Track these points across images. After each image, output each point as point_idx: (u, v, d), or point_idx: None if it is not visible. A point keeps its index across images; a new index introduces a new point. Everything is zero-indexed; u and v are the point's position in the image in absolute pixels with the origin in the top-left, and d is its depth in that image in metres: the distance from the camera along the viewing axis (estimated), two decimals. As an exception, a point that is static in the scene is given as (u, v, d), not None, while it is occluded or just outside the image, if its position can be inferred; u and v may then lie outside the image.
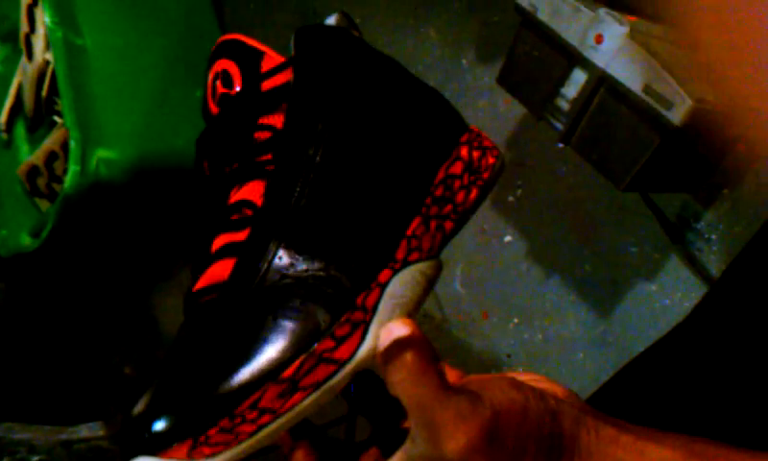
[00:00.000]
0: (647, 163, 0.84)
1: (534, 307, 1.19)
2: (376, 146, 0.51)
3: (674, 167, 0.90)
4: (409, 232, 0.49)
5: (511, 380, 0.44)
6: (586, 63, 0.86)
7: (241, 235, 0.48)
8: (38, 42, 1.28)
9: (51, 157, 1.30)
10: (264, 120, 0.50)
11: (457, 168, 0.53)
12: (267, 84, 0.51)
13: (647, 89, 0.80)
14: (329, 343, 0.44)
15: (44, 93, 1.31)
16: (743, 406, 0.60)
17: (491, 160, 0.55)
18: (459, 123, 0.55)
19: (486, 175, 0.55)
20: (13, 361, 1.56)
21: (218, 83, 0.52)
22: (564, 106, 0.90)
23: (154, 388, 0.46)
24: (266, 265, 0.46)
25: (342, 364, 0.44)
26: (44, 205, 1.37)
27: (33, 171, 1.34)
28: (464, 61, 1.28)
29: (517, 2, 0.93)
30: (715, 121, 0.82)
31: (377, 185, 0.49)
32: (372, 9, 1.40)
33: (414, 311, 0.47)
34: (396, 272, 0.47)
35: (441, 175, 0.52)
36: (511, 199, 1.21)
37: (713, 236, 1.00)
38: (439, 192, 0.51)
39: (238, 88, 0.51)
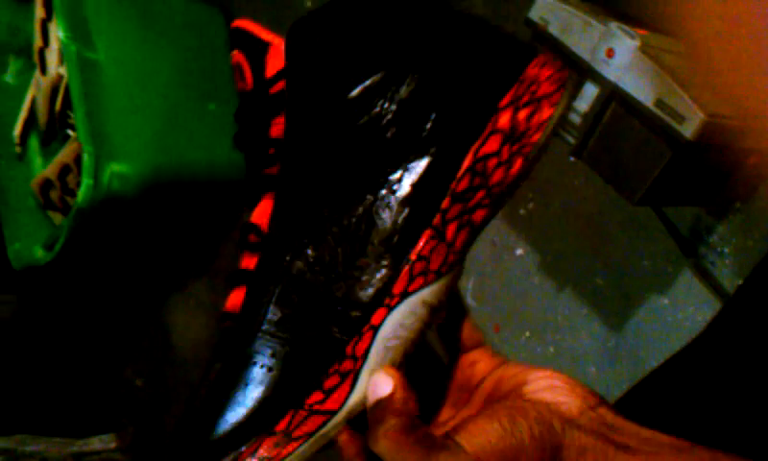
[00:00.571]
0: (659, 177, 0.84)
1: (546, 321, 1.18)
2: (372, 163, 0.45)
3: (686, 181, 0.90)
4: (414, 255, 0.45)
5: (513, 415, 0.43)
6: (597, 77, 0.86)
7: (251, 262, 0.47)
8: (52, 56, 1.29)
9: (64, 170, 1.31)
10: (274, 124, 0.48)
11: (492, 144, 0.45)
12: (273, 89, 0.48)
13: (659, 103, 0.80)
14: (318, 395, 0.43)
15: (58, 107, 1.32)
16: (762, 423, 0.60)
17: (545, 112, 0.46)
18: (497, 86, 0.46)
19: (536, 136, 0.46)
20: (26, 373, 1.57)
21: (236, 75, 0.51)
22: (576, 119, 0.90)
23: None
24: (265, 309, 0.45)
25: (332, 414, 0.43)
26: (57, 218, 1.38)
27: (46, 184, 1.35)
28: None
29: (528, 16, 0.93)
30: (727, 134, 0.81)
31: (372, 214, 0.45)
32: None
33: (411, 348, 0.45)
34: (391, 310, 0.44)
35: (467, 162, 0.45)
36: (522, 212, 1.20)
37: (726, 250, 0.99)
38: (463, 185, 0.45)
39: (248, 88, 0.49)
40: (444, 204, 0.45)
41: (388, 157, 0.45)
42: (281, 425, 0.43)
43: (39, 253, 1.31)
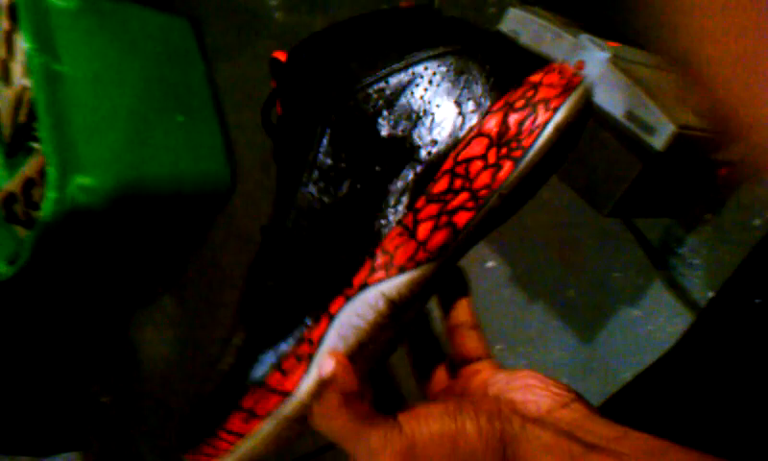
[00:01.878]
0: (630, 189, 0.84)
1: (517, 334, 1.18)
2: (366, 145, 0.47)
3: (657, 193, 0.90)
4: (378, 250, 0.46)
5: (450, 408, 0.44)
6: (568, 89, 0.86)
7: None
8: (17, 68, 1.27)
9: (28, 183, 1.29)
10: None
11: (476, 147, 0.45)
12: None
13: (629, 115, 0.80)
14: (278, 376, 0.45)
15: (22, 119, 1.30)
16: (732, 435, 0.60)
17: (540, 118, 0.45)
18: (496, 81, 0.46)
19: (528, 140, 0.44)
20: (-11, 391, 1.54)
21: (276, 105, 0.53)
22: (547, 131, 0.90)
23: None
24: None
25: (288, 395, 0.45)
26: (21, 232, 1.35)
27: (9, 198, 1.32)
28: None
29: (499, 28, 0.93)
30: (698, 146, 0.82)
31: (358, 196, 0.47)
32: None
33: (368, 339, 0.46)
34: (348, 299, 0.45)
35: (446, 165, 0.45)
36: (493, 224, 1.20)
37: (696, 261, 1.00)
38: (440, 187, 0.45)
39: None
40: (419, 203, 0.46)
41: (367, 157, 0.47)
42: (248, 403, 0.45)
43: (2, 267, 1.29)
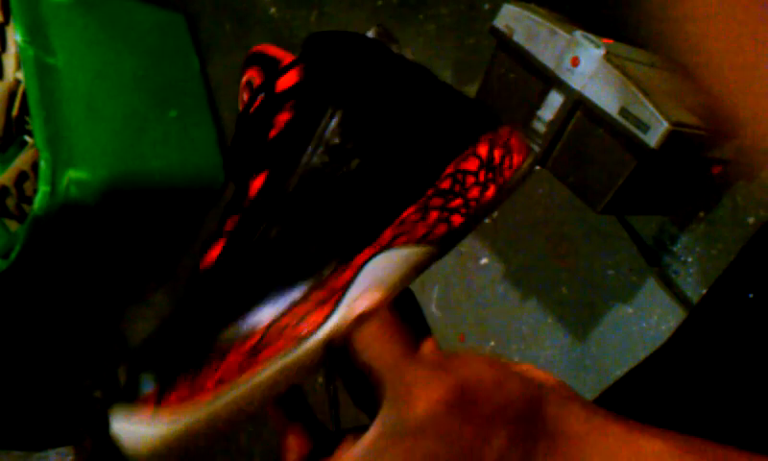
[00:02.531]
0: (623, 186, 0.84)
1: (510, 330, 1.18)
2: (378, 135, 0.51)
3: (650, 190, 0.90)
4: (404, 215, 0.49)
5: (492, 359, 0.43)
6: (562, 86, 0.86)
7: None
8: (9, 61, 1.26)
9: (21, 177, 1.28)
10: (277, 119, 0.51)
11: (471, 164, 0.52)
12: (281, 85, 0.51)
13: (623, 112, 0.80)
14: (290, 319, 0.45)
15: (15, 112, 1.29)
16: (724, 431, 0.60)
17: (515, 160, 0.54)
18: (482, 122, 0.54)
19: (507, 174, 0.53)
20: (-20, 386, 1.54)
21: (245, 91, 0.53)
22: (541, 128, 0.90)
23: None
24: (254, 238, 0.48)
25: (304, 339, 0.44)
26: (13, 225, 1.35)
27: (2, 191, 1.32)
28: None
29: (494, 24, 0.93)
30: (692, 144, 0.82)
31: (370, 173, 0.49)
32: (348, 30, 1.39)
33: (390, 295, 0.47)
34: (374, 255, 0.47)
35: (450, 169, 0.51)
36: (487, 221, 1.20)
37: (690, 259, 1.00)
38: (445, 185, 0.50)
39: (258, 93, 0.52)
40: (429, 191, 0.50)
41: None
42: (252, 341, 0.44)
43: (-5, 261, 1.28)
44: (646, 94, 0.79)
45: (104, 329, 1.60)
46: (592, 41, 0.83)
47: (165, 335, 0.47)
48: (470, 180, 0.51)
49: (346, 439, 0.44)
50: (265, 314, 0.45)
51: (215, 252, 0.49)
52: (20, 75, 1.24)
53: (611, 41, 0.84)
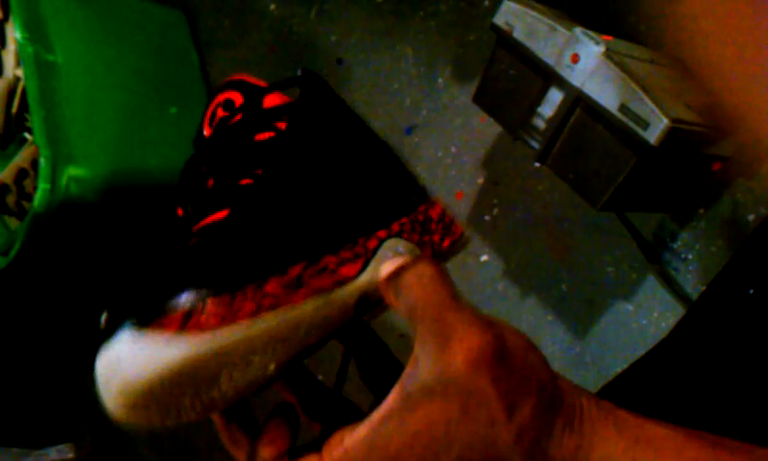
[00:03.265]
0: (623, 183, 0.84)
1: (510, 327, 1.18)
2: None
3: (650, 187, 0.90)
4: (396, 226, 0.50)
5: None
6: (562, 83, 0.86)
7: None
8: (9, 58, 1.26)
9: (21, 174, 1.28)
10: (259, 137, 0.50)
11: (432, 214, 0.54)
12: (267, 102, 0.51)
13: (623, 109, 0.80)
14: (333, 259, 0.45)
15: (14, 109, 1.29)
16: (723, 426, 0.60)
17: (458, 232, 0.55)
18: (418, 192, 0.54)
19: (458, 232, 0.55)
20: (-20, 383, 1.54)
21: (219, 109, 0.52)
22: (541, 125, 0.90)
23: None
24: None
25: (343, 281, 0.45)
26: (13, 223, 1.35)
27: (2, 188, 1.32)
28: (440, 80, 1.27)
29: (494, 21, 0.93)
30: (691, 141, 0.82)
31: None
32: (348, 27, 1.39)
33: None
34: (390, 236, 0.49)
35: (423, 207, 0.53)
36: (487, 218, 1.20)
37: (690, 256, 1.00)
38: (425, 216, 0.53)
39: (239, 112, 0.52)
40: (408, 217, 0.52)
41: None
42: (295, 271, 0.44)
43: (-5, 259, 1.28)
44: (646, 91, 0.79)
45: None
46: (592, 38, 0.83)
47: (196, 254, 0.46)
48: (435, 227, 0.53)
49: (334, 435, 0.44)
50: (301, 252, 0.44)
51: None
52: (20, 72, 1.24)
53: (610, 38, 0.84)
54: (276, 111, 0.51)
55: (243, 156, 0.50)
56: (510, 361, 0.40)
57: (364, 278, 0.46)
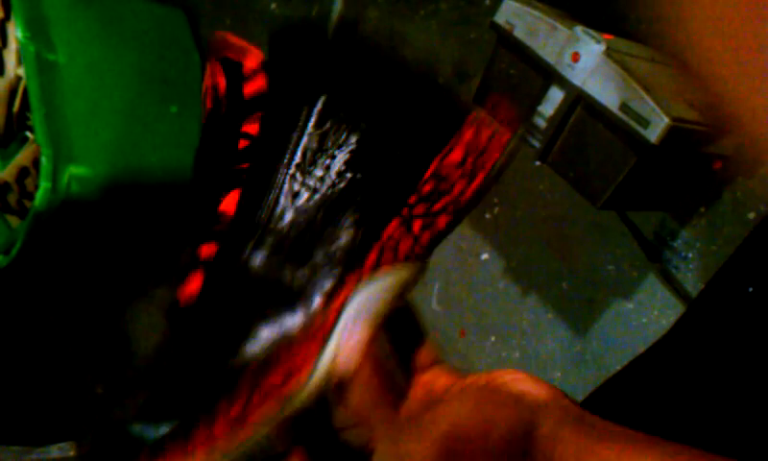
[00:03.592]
0: (624, 181, 0.84)
1: (511, 325, 1.18)
2: (352, 153, 0.47)
3: (651, 185, 0.90)
4: (385, 237, 0.46)
5: (485, 388, 0.43)
6: (562, 81, 0.86)
7: (210, 250, 0.48)
8: (10, 57, 1.26)
9: (22, 173, 1.28)
10: (246, 127, 0.49)
11: (456, 156, 0.48)
12: (248, 89, 0.50)
13: (624, 107, 0.80)
14: (276, 375, 0.44)
15: (16, 108, 1.30)
16: (721, 423, 0.60)
17: (501, 142, 0.49)
18: (460, 109, 0.49)
19: (494, 157, 0.48)
20: (-18, 381, 1.54)
21: (208, 98, 0.52)
22: (541, 123, 0.90)
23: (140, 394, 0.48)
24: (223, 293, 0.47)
25: (287, 400, 0.44)
26: (15, 221, 1.35)
27: (3, 187, 1.32)
28: (440, 80, 1.27)
29: (494, 20, 0.93)
30: (692, 139, 0.82)
31: (346, 198, 0.47)
32: (348, 26, 1.39)
33: (377, 329, 0.46)
34: (360, 287, 0.45)
35: (432, 168, 0.48)
36: (488, 217, 1.20)
37: (690, 254, 1.00)
38: (428, 188, 0.47)
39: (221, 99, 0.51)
40: (412, 199, 0.47)
41: (355, 159, 0.47)
42: (237, 408, 0.44)
43: (-4, 257, 1.28)
44: (647, 90, 0.79)
45: (105, 325, 1.60)
46: (593, 37, 0.83)
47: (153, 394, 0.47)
48: (455, 174, 0.48)
49: None
50: (250, 361, 0.44)
51: (194, 285, 0.48)
52: (21, 71, 1.24)
53: (611, 37, 0.84)
54: (253, 104, 0.50)
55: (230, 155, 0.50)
56: (463, 451, 0.41)
57: (317, 374, 0.44)
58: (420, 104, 0.50)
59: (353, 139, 0.47)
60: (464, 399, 0.42)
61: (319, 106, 0.47)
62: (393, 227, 0.47)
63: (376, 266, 0.46)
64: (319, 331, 0.44)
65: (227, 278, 0.47)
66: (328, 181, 0.47)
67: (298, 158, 0.47)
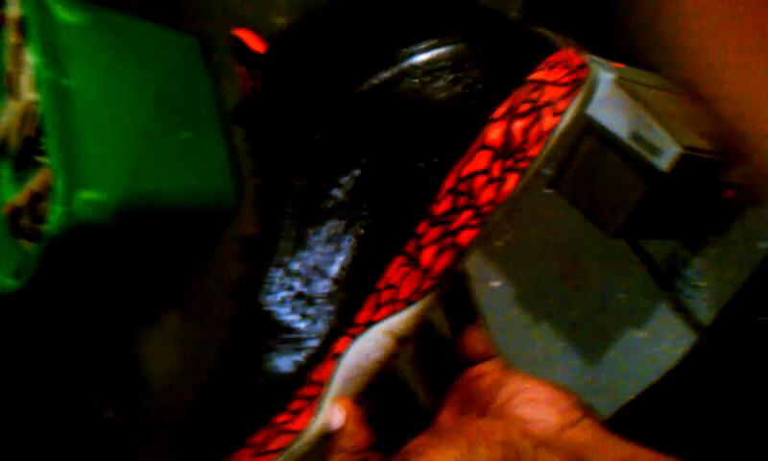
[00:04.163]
0: (635, 210, 0.83)
1: (522, 354, 1.17)
2: (349, 194, 0.43)
3: (662, 214, 0.89)
4: (381, 284, 0.43)
5: (474, 441, 0.42)
6: (573, 109, 0.86)
7: None
8: (25, 82, 1.27)
9: (35, 197, 1.29)
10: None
11: (480, 161, 0.41)
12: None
13: (634, 136, 0.80)
14: (286, 416, 0.43)
15: (29, 133, 1.30)
16: (735, 453, 0.59)
17: (546, 124, 0.41)
18: (490, 99, 0.41)
19: (534, 150, 0.41)
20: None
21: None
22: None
23: None
24: None
25: (300, 434, 0.44)
26: (27, 246, 1.35)
27: (16, 212, 1.32)
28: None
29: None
30: (704, 168, 0.81)
31: (340, 238, 0.43)
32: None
33: (373, 379, 0.45)
34: (355, 339, 0.43)
35: (448, 183, 0.41)
36: (499, 244, 1.20)
37: (703, 284, 0.99)
38: (443, 208, 0.42)
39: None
40: (420, 228, 0.42)
41: (362, 182, 0.42)
42: (255, 439, 0.44)
43: (8, 281, 1.29)
44: (658, 118, 0.79)
45: (115, 349, 1.60)
46: (603, 66, 0.83)
47: None
48: (480, 181, 0.41)
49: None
50: (264, 412, 0.45)
51: None
52: (35, 96, 1.25)
53: (622, 65, 0.84)
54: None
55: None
56: None
57: (315, 427, 0.44)
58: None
59: (349, 178, 0.43)
60: (451, 447, 0.43)
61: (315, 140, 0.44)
62: (393, 267, 0.43)
63: (368, 322, 0.43)
64: (317, 379, 0.44)
65: (242, 317, 0.46)
66: (326, 226, 0.43)
67: (293, 205, 0.44)
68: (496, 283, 1.20)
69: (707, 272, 0.99)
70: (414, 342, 0.53)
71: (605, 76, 0.82)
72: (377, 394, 0.49)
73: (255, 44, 0.46)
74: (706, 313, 0.99)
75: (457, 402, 0.52)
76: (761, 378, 0.61)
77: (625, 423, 0.70)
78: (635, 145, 0.80)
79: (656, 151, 0.78)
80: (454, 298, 0.53)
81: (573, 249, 1.12)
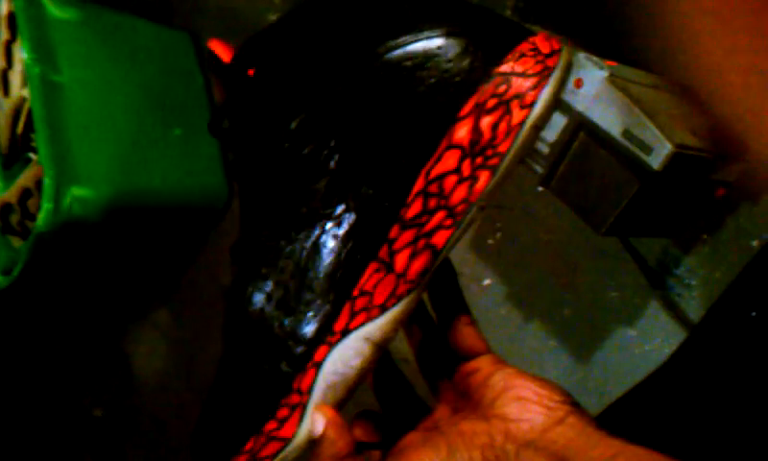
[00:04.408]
0: (627, 208, 0.83)
1: (513, 352, 1.17)
2: (316, 194, 0.42)
3: (654, 212, 0.90)
4: (356, 291, 0.43)
5: (454, 444, 0.43)
6: (565, 107, 0.86)
7: None
8: (15, 78, 1.27)
9: (25, 194, 1.28)
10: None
11: (449, 162, 0.40)
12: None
13: (627, 134, 0.80)
14: (273, 424, 0.44)
15: (20, 129, 1.30)
16: (724, 449, 0.59)
17: (515, 118, 0.40)
18: (457, 96, 0.40)
19: (504, 145, 0.40)
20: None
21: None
22: (544, 149, 0.90)
23: None
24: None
25: (287, 441, 0.44)
26: (16, 242, 1.35)
27: (6, 208, 1.32)
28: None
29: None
30: (696, 166, 0.82)
31: (319, 247, 0.43)
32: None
33: (355, 385, 0.46)
34: (332, 347, 0.43)
35: (417, 186, 0.41)
36: (490, 242, 1.20)
37: (693, 282, 0.99)
38: (414, 211, 0.42)
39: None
40: (392, 232, 0.42)
41: (333, 188, 0.42)
42: (248, 447, 0.44)
43: (-3, 278, 1.28)
44: (650, 116, 0.79)
45: (104, 347, 1.60)
46: (596, 63, 0.83)
47: None
48: (451, 181, 0.41)
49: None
50: (254, 420, 0.45)
51: None
52: (25, 92, 1.25)
53: (614, 63, 0.84)
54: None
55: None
56: None
57: (301, 434, 0.45)
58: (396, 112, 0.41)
59: (322, 184, 0.43)
60: (431, 451, 0.43)
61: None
62: (367, 274, 0.43)
63: (344, 329, 0.43)
64: (299, 387, 0.44)
65: (232, 321, 0.47)
66: (303, 234, 0.43)
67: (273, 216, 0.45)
68: (487, 281, 1.20)
69: (698, 270, 0.99)
70: (414, 342, 0.54)
71: (597, 73, 0.82)
72: (382, 393, 0.50)
73: (225, 55, 0.47)
74: (696, 311, 0.99)
75: (452, 398, 0.52)
76: (751, 375, 0.61)
77: (614, 420, 0.71)
78: (627, 143, 0.80)
79: (648, 149, 0.78)
80: (443, 294, 0.53)
81: (565, 246, 1.12)
